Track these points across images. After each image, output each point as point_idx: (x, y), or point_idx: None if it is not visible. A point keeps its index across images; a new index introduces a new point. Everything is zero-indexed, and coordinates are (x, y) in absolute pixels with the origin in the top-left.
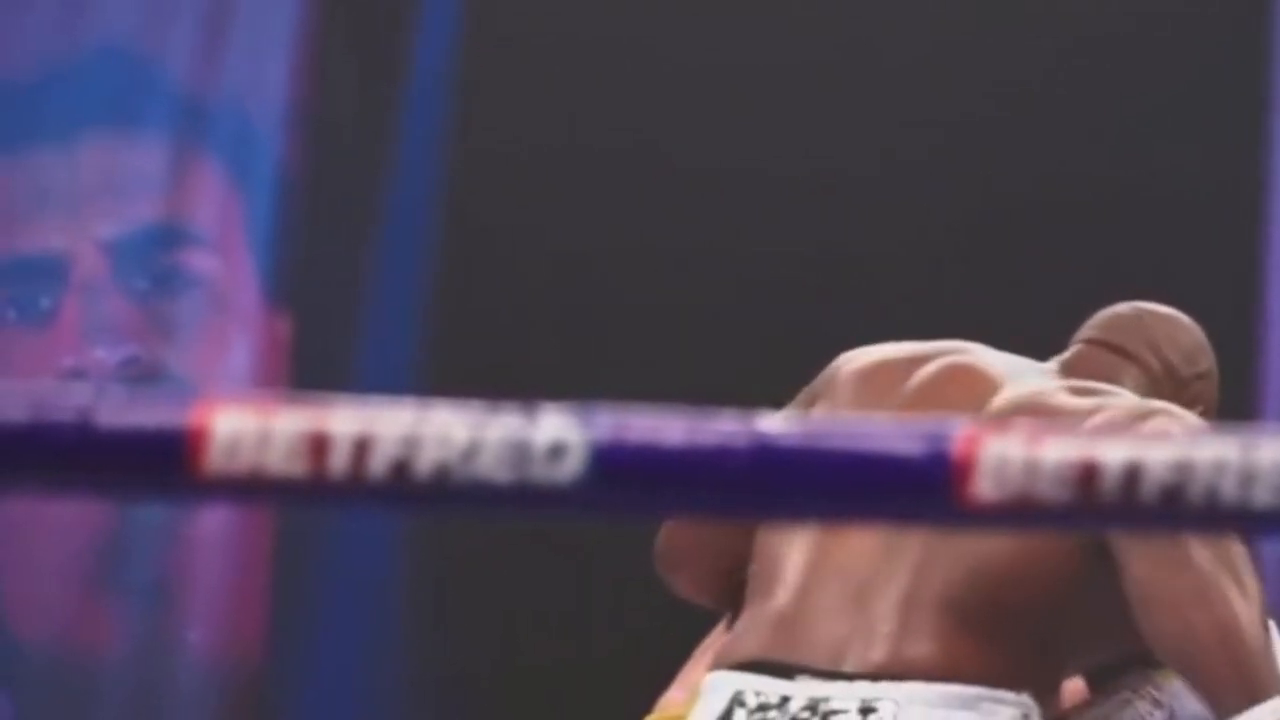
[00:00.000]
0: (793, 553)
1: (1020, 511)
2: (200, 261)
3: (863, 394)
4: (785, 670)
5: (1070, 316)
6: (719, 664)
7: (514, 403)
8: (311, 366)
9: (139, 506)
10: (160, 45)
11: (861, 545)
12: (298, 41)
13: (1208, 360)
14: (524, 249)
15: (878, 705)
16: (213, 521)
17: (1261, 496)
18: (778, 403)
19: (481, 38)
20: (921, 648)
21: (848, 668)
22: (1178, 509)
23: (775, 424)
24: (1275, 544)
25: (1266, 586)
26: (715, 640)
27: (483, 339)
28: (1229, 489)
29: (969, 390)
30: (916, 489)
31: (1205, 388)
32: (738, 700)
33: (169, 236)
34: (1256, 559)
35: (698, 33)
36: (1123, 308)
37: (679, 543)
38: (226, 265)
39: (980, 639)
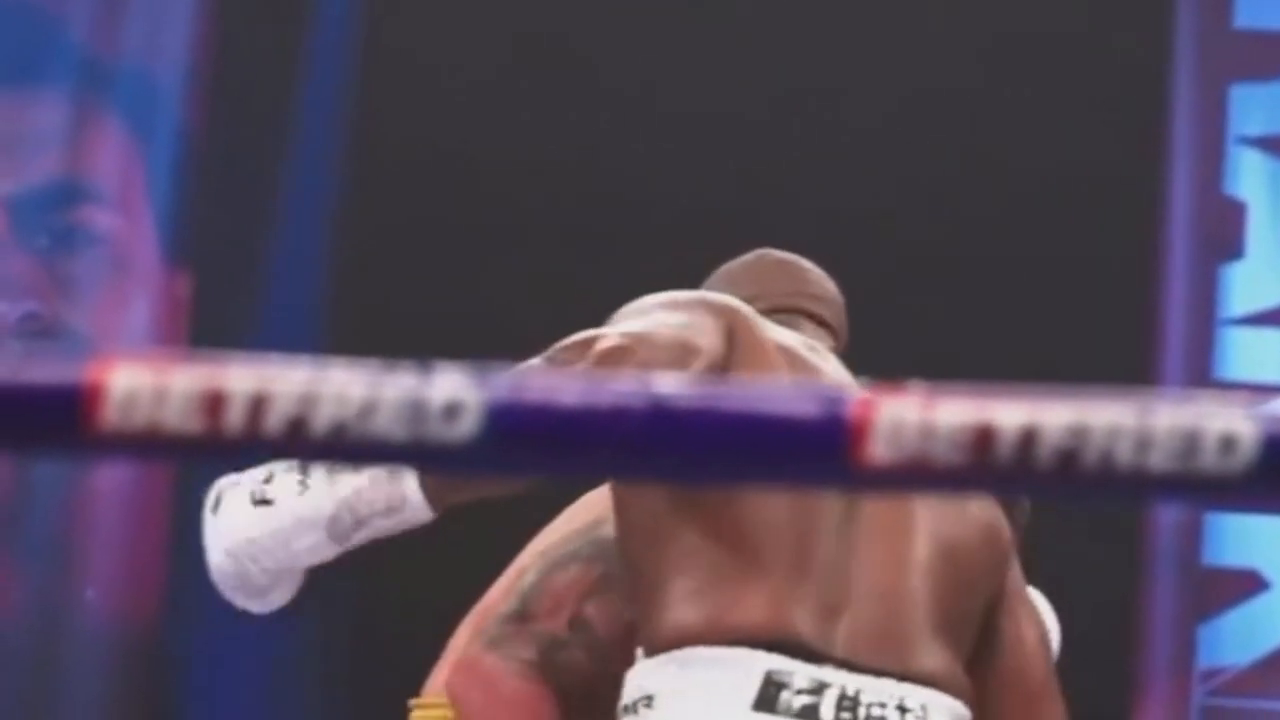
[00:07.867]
0: (809, 537)
1: (914, 474)
2: (101, 219)
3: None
4: (814, 656)
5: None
6: (713, 635)
7: (411, 361)
8: (211, 324)
9: (36, 464)
10: (62, 2)
11: (889, 548)
12: (200, 1)
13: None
14: (427, 207)
15: (909, 705)
16: (111, 479)
17: (1157, 462)
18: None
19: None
20: (935, 659)
21: (872, 663)
22: (1073, 474)
23: (671, 385)
24: (1169, 510)
25: (1166, 551)
26: (484, 611)
27: (385, 297)
28: (1124, 454)
29: None
30: (811, 451)
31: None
32: (775, 682)
33: (69, 194)
34: (1151, 524)
35: None
36: (797, 269)
37: None
38: (127, 223)
39: (960, 658)
